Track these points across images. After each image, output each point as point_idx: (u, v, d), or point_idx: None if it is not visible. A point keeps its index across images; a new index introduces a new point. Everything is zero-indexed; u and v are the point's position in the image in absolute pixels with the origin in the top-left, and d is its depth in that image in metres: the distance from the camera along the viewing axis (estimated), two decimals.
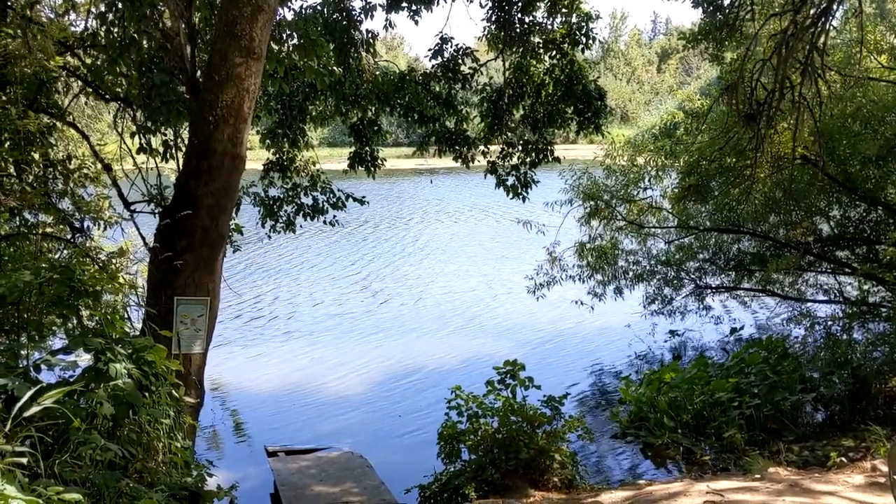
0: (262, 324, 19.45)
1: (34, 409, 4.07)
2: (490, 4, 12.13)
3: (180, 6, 7.00)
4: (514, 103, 12.60)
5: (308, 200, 12.63)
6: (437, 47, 12.44)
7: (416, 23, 12.53)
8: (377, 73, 12.57)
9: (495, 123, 12.57)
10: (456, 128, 12.80)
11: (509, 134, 12.79)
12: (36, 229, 8.76)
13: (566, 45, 12.01)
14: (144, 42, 8.32)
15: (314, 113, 12.56)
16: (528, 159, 12.63)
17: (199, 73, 7.15)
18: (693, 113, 15.77)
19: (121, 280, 7.14)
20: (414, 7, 11.99)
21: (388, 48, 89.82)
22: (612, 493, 8.84)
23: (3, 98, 7.43)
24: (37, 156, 8.03)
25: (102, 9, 8.21)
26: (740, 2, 11.17)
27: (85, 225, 8.91)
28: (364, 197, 12.81)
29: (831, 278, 15.32)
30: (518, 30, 12.18)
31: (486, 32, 12.42)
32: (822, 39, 9.23)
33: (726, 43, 12.36)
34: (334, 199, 12.64)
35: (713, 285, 16.72)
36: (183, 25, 7.12)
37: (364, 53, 12.26)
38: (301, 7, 11.65)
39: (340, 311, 20.67)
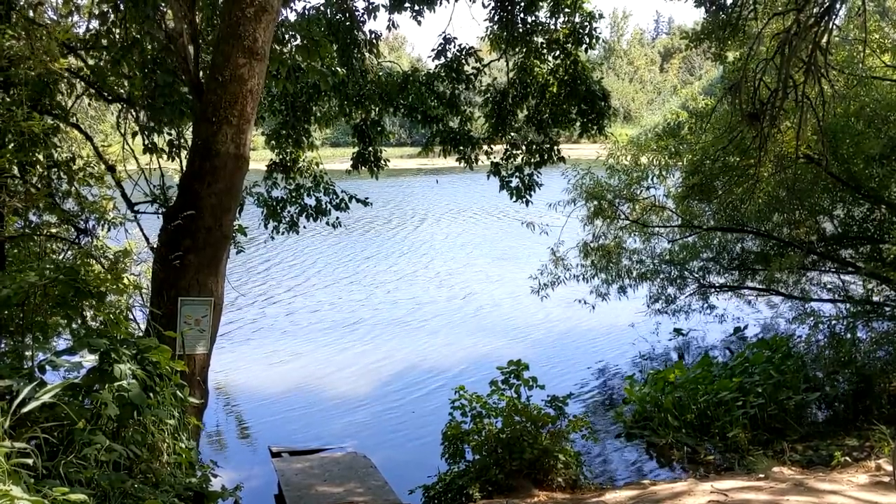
0: (265, 324, 19.46)
1: (33, 405, 4.08)
2: (492, 4, 12.13)
3: (183, 7, 7.01)
4: (518, 104, 12.59)
5: (311, 201, 12.63)
6: (440, 47, 12.45)
7: (419, 23, 12.55)
8: (380, 73, 12.58)
9: (499, 124, 12.56)
10: (460, 128, 12.80)
11: (513, 134, 12.78)
12: (40, 230, 8.78)
13: (569, 44, 12.00)
14: (147, 43, 8.34)
15: (318, 114, 12.57)
16: (532, 160, 12.61)
17: (202, 73, 7.16)
18: (696, 112, 15.75)
19: (125, 281, 7.16)
20: (417, 7, 12.01)
21: (391, 49, 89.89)
22: (617, 493, 8.83)
23: (8, 100, 7.44)
24: (41, 157, 8.03)
25: (105, 9, 8.23)
26: (743, 1, 11.15)
27: (89, 226, 8.92)
28: (367, 198, 12.81)
29: (835, 277, 15.29)
30: (521, 30, 12.18)
31: (488, 32, 12.42)
32: (825, 38, 9.22)
33: (729, 42, 12.34)
34: (337, 201, 12.64)
35: (717, 284, 16.69)
36: (186, 26, 7.13)
37: (367, 54, 12.27)
38: (304, 8, 11.68)
39: (343, 312, 20.68)
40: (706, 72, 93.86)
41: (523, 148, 12.69)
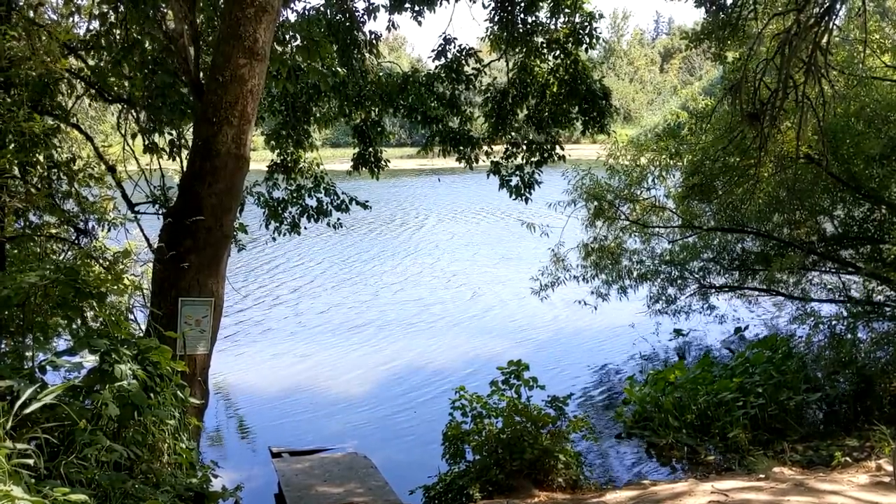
0: (269, 325, 19.46)
1: (35, 406, 4.08)
2: (493, 5, 12.13)
3: (184, 8, 7.01)
4: (518, 103, 12.59)
5: (312, 202, 12.62)
6: (440, 48, 12.45)
7: (419, 24, 12.55)
8: (380, 74, 12.58)
9: (499, 123, 12.56)
10: (459, 128, 12.80)
11: (513, 134, 12.78)
12: (41, 231, 8.77)
13: (569, 44, 12.00)
14: (148, 44, 8.33)
15: (318, 114, 12.57)
16: (532, 159, 12.62)
17: (202, 74, 7.16)
18: (696, 112, 15.76)
19: (126, 281, 7.15)
20: (417, 8, 12.00)
21: (391, 49, 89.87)
22: (617, 493, 8.83)
23: (8, 100, 7.44)
24: (41, 157, 8.03)
25: (105, 10, 8.23)
26: (743, 1, 11.15)
27: (89, 226, 8.92)
28: (367, 201, 12.80)
29: (835, 277, 15.28)
30: (521, 30, 12.18)
31: (488, 33, 12.41)
32: (825, 39, 9.23)
33: (729, 42, 12.33)
34: (338, 202, 12.64)
35: (717, 285, 16.68)
36: (186, 27, 7.13)
37: (367, 54, 12.27)
38: (304, 8, 11.68)
39: (347, 313, 20.68)
40: (706, 72, 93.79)
41: (524, 147, 12.69)
